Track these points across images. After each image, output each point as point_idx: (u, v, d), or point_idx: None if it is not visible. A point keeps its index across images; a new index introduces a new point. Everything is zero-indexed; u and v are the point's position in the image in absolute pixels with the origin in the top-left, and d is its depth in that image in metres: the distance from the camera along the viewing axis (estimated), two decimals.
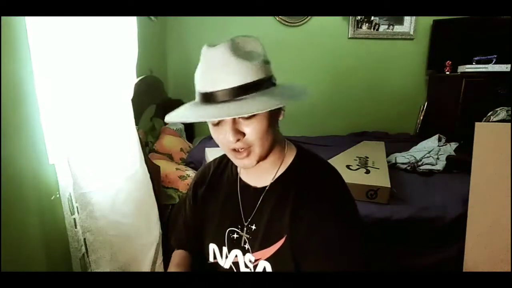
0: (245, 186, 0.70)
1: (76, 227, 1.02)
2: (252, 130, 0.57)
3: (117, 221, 1.04)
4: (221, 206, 0.72)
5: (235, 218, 0.69)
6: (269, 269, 0.64)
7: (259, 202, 0.67)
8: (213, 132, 0.60)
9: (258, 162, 0.61)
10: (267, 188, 0.66)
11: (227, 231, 0.70)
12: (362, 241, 0.61)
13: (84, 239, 1.03)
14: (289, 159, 0.67)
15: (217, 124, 0.58)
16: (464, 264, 1.23)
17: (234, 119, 0.56)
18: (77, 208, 1.00)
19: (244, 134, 0.57)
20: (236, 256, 0.69)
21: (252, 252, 0.66)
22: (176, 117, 0.58)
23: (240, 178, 0.71)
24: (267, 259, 0.64)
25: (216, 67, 0.55)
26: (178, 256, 0.81)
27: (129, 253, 1.10)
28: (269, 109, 0.53)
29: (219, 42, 0.57)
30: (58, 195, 0.96)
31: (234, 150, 0.59)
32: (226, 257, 0.70)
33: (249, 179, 0.70)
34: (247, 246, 0.67)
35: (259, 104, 0.53)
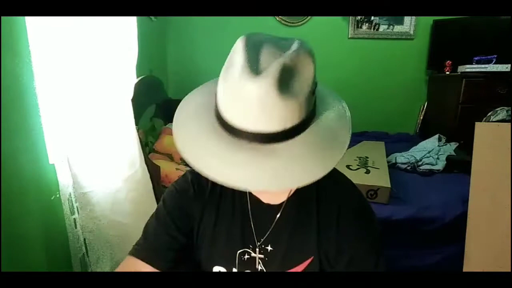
0: (256, 201, 0.61)
1: (76, 227, 1.02)
2: None
3: (117, 221, 1.04)
4: (229, 225, 0.63)
5: (246, 238, 0.61)
6: None
7: (275, 220, 0.60)
8: None
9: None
10: (284, 204, 0.60)
11: (238, 252, 0.62)
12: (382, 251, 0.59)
13: (84, 239, 1.03)
14: None
15: None
16: (464, 264, 1.23)
17: None
18: (77, 208, 1.00)
19: None
20: None
21: None
22: (202, 167, 0.45)
23: (249, 193, 0.62)
24: None
25: (253, 103, 0.42)
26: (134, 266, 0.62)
27: None
28: (314, 180, 0.43)
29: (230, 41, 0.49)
30: (58, 195, 0.96)
31: None
32: None
33: (260, 194, 0.61)
34: (260, 267, 0.61)
35: (300, 173, 0.43)
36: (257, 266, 0.62)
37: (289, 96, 0.43)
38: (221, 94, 0.46)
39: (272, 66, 0.42)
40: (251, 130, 0.43)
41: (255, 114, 0.43)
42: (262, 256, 0.61)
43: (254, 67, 0.43)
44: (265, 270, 0.61)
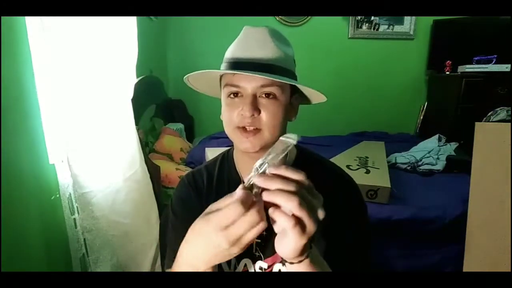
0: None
1: (76, 227, 1.02)
2: (269, 111, 0.57)
3: (117, 221, 1.04)
4: None
5: None
6: (284, 270, 0.62)
7: None
8: (228, 105, 0.59)
9: (260, 148, 0.59)
10: None
11: None
12: (370, 240, 0.66)
13: (84, 239, 1.03)
14: (291, 159, 0.67)
15: (235, 96, 0.58)
16: (464, 264, 1.23)
17: (255, 95, 0.57)
18: (77, 208, 1.00)
19: (259, 112, 0.57)
20: (245, 265, 0.66)
21: (265, 258, 0.64)
22: (200, 72, 0.60)
23: (243, 182, 0.69)
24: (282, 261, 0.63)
25: (254, 43, 0.58)
26: None
27: (129, 253, 1.10)
28: (296, 84, 0.59)
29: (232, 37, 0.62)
30: (58, 195, 0.96)
31: (243, 128, 0.58)
32: (235, 268, 0.67)
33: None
34: (257, 253, 0.65)
35: (288, 81, 0.56)
36: (254, 251, 0.65)
37: (278, 44, 0.59)
38: (229, 51, 0.61)
39: (265, 26, 0.60)
40: (248, 57, 0.57)
41: (255, 48, 0.58)
42: (259, 240, 0.65)
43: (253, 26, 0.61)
44: (261, 254, 0.65)
